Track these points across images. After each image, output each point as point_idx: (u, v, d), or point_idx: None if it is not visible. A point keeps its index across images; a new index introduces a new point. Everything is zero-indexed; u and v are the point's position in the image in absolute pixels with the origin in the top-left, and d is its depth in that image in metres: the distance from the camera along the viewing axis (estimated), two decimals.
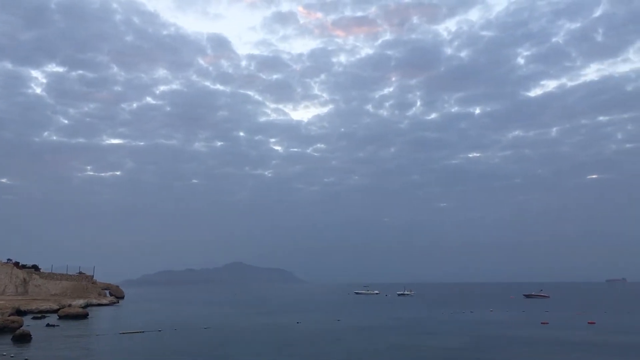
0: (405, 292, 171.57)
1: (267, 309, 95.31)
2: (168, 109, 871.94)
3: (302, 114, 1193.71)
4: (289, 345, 41.04)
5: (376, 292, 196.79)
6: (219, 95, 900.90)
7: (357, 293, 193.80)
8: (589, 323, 59.09)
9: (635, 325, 57.21)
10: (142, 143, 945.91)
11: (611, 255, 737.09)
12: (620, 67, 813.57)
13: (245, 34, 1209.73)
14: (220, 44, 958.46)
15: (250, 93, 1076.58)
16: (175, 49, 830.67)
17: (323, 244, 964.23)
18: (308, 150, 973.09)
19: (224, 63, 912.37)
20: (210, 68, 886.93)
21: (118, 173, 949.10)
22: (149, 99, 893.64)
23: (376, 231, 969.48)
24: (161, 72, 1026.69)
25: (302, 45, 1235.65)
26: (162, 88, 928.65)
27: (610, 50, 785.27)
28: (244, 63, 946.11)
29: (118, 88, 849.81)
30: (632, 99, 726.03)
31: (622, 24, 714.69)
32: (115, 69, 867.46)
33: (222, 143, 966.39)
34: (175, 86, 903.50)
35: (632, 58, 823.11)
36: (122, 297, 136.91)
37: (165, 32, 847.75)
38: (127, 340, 44.28)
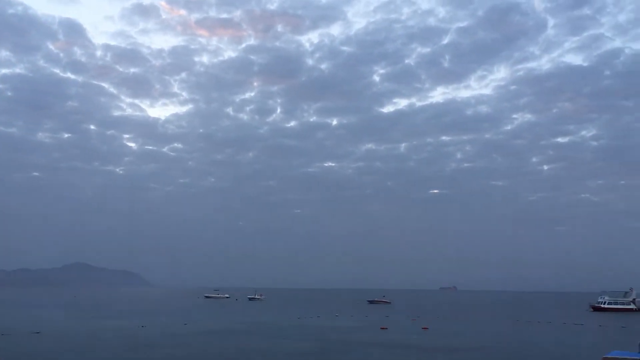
0: (256, 297, 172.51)
1: (109, 313, 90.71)
2: (9, 93, 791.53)
3: (160, 111, 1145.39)
4: (130, 350, 39.41)
5: (227, 295, 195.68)
6: (69, 84, 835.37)
7: (207, 297, 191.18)
8: (422, 328, 63.66)
9: (462, 330, 62.72)
10: None
11: (444, 265, 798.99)
12: (462, 92, 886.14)
13: (102, 23, 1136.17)
14: (74, 30, 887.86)
15: (105, 85, 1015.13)
16: (22, 30, 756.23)
17: (175, 246, 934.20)
18: (164, 149, 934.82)
19: (77, 51, 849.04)
20: (61, 54, 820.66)
21: None
22: None
23: (230, 235, 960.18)
24: (3, 54, 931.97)
25: (163, 41, 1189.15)
26: (4, 71, 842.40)
27: (455, 76, 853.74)
28: (99, 53, 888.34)
29: None
30: (471, 123, 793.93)
31: (466, 53, 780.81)
32: None
33: (69, 135, 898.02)
34: (19, 70, 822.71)
35: (473, 85, 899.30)
36: None
37: (10, 11, 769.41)
38: None
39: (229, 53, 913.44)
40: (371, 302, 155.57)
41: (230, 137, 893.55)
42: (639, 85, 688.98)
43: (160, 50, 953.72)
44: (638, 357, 35.27)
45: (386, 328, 63.09)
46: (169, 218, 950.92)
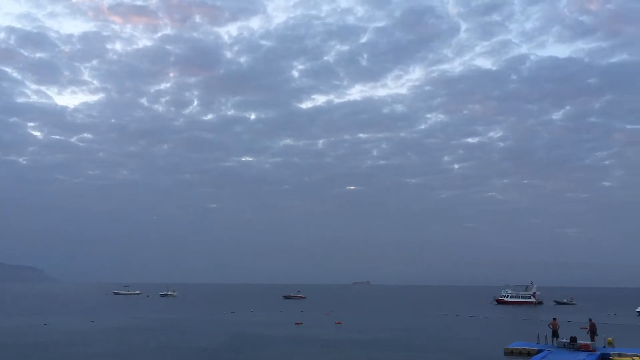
0: (169, 293, 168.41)
1: (9, 311, 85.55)
2: None
3: (68, 99, 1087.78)
4: (31, 349, 37.25)
5: (137, 292, 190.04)
6: None
7: (116, 293, 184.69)
8: (336, 323, 64.47)
9: (374, 324, 64.08)
10: None
11: (359, 260, 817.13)
12: (379, 91, 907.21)
13: (6, 4, 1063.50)
14: None
15: (8, 70, 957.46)
16: None
17: (83, 241, 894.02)
18: (72, 139, 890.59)
19: None
20: None
21: None
22: None
23: (143, 229, 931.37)
24: None
25: (73, 26, 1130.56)
26: None
27: (372, 74, 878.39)
28: (2, 35, 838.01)
29: None
30: (387, 121, 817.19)
31: (383, 53, 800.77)
32: None
33: None
34: None
35: (390, 84, 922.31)
36: None
37: None
38: None
39: (144, 42, 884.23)
40: (286, 297, 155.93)
41: (144, 128, 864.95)
42: (542, 90, 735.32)
43: (70, 36, 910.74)
44: (536, 347, 37.51)
45: (301, 323, 63.36)
46: (78, 211, 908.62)
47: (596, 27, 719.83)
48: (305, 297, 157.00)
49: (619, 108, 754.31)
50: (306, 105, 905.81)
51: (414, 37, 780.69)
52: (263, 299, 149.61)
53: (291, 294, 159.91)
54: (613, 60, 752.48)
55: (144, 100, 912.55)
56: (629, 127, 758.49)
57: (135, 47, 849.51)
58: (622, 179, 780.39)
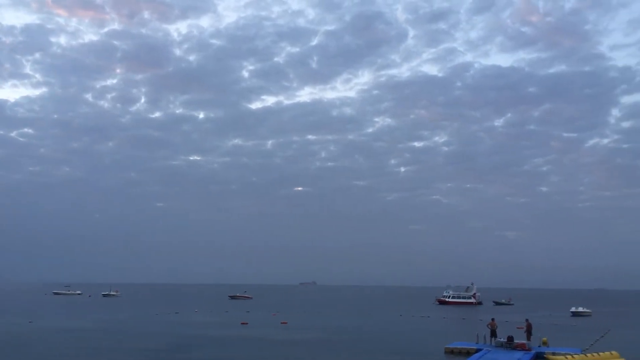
0: (111, 293, 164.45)
1: None
2: None
3: (9, 93, 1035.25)
4: None
5: (78, 292, 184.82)
6: None
7: (56, 293, 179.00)
8: (282, 323, 64.67)
9: (319, 324, 64.56)
10: None
11: (305, 260, 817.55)
12: (328, 93, 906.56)
13: None
14: None
15: None
16: None
17: (23, 239, 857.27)
18: (12, 134, 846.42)
19: None
20: None
21: None
22: None
23: (85, 227, 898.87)
24: None
25: (15, 18, 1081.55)
26: None
27: (322, 77, 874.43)
28: None
29: None
30: (336, 123, 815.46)
31: (333, 56, 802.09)
32: None
33: None
34: None
35: (339, 87, 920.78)
36: None
37: None
38: None
39: (90, 36, 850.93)
40: (232, 297, 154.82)
41: (88, 124, 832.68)
42: (486, 97, 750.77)
43: (12, 27, 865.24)
44: (475, 347, 38.83)
45: (247, 323, 63.20)
46: (17, 208, 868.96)
47: (537, 38, 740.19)
48: (251, 298, 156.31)
49: (557, 117, 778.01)
50: (255, 105, 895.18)
51: (363, 42, 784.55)
52: (208, 299, 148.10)
53: (237, 294, 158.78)
54: (552, 70, 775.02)
55: (88, 96, 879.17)
56: (565, 135, 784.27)
57: (80, 41, 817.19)
58: (557, 185, 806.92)
